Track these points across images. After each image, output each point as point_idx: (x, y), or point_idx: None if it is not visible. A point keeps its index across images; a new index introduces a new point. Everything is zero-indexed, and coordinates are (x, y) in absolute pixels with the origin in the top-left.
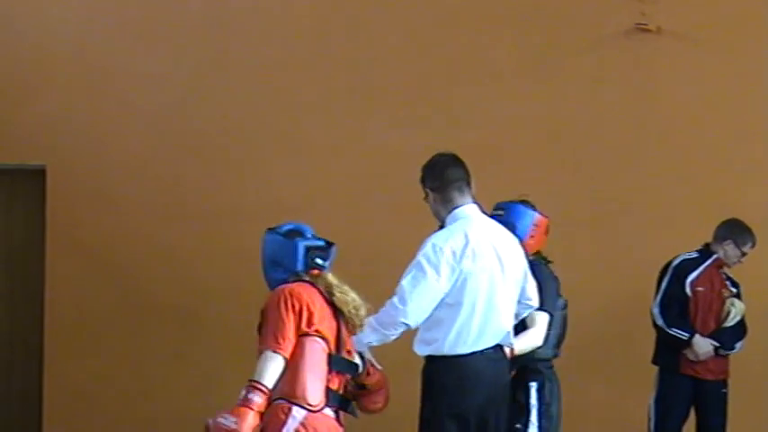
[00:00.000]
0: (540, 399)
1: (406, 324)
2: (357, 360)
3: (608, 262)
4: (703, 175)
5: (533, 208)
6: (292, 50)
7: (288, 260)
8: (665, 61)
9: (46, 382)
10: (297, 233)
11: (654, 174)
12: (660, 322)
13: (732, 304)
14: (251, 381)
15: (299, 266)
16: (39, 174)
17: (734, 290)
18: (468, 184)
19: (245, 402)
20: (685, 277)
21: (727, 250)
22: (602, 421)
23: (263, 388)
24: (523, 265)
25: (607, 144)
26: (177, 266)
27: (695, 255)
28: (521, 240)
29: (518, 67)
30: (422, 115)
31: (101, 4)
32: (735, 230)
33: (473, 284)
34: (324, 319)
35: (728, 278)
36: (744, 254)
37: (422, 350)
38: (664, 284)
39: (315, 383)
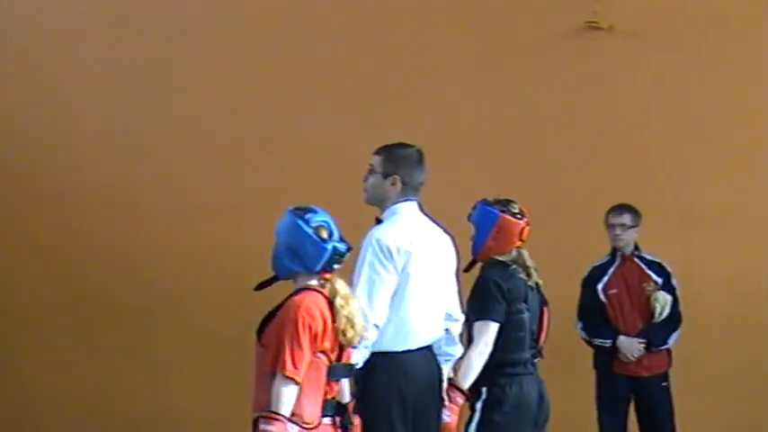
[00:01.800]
0: (485, 403)
1: (377, 326)
2: (347, 386)
3: (565, 260)
4: (657, 173)
5: (504, 209)
6: (245, 49)
7: (310, 258)
8: (617, 59)
9: None
10: (326, 231)
11: (608, 172)
12: (583, 335)
13: (655, 299)
14: (269, 411)
15: (318, 268)
16: None
17: (658, 280)
18: (423, 185)
19: None
20: (596, 284)
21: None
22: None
23: (280, 417)
24: (454, 268)
25: (559, 142)
26: (129, 264)
27: (604, 260)
28: (481, 241)
29: (470, 64)
30: (375, 114)
31: (52, 1)
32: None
33: (413, 283)
34: (331, 333)
35: (654, 267)
36: (611, 226)
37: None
38: (579, 297)
39: (312, 401)
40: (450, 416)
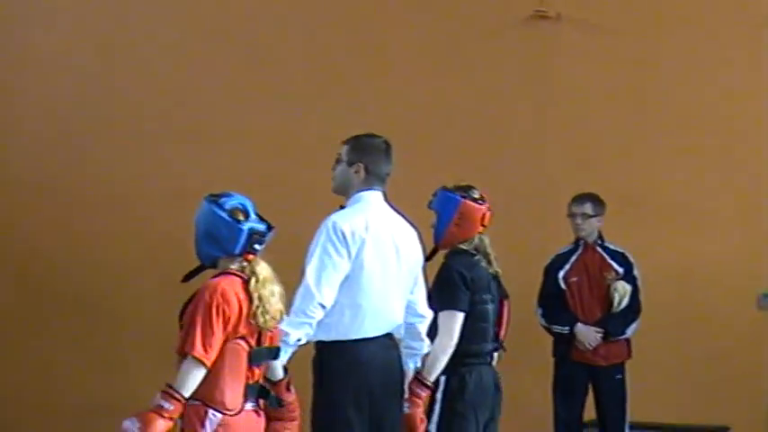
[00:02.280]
0: (445, 393)
1: (323, 305)
2: (279, 364)
3: (508, 250)
4: (605, 162)
5: (465, 194)
6: (195, 36)
7: (227, 241)
8: (565, 48)
9: None
10: (241, 213)
11: (555, 161)
12: (542, 321)
13: (615, 289)
14: (169, 387)
15: (238, 250)
16: None
17: (620, 270)
18: (389, 176)
19: (157, 409)
20: (557, 272)
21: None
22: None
23: (180, 397)
24: (420, 260)
25: (508, 131)
26: (78, 253)
27: (567, 248)
28: (444, 228)
29: (423, 52)
30: (326, 103)
31: None
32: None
33: (369, 270)
34: (248, 317)
35: (617, 257)
36: (572, 215)
37: (315, 335)
38: (540, 284)
39: (233, 388)
40: (410, 407)
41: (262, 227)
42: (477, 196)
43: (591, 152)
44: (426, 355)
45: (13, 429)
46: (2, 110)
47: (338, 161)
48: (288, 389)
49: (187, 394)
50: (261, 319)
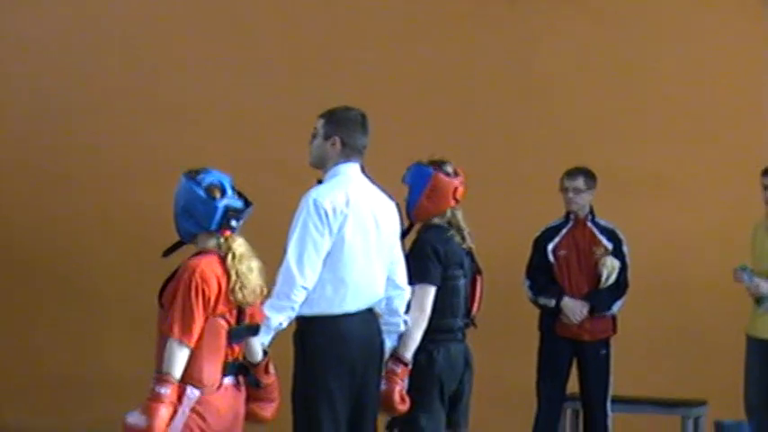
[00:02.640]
0: (413, 367)
1: (305, 287)
2: (258, 346)
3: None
4: (585, 138)
5: (438, 168)
6: (175, 13)
7: (203, 217)
8: (549, 23)
9: None
10: (218, 190)
11: (537, 136)
12: (529, 294)
13: (603, 264)
14: (159, 373)
15: (214, 226)
16: None
17: (609, 246)
18: (365, 148)
19: (155, 397)
20: (546, 245)
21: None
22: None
23: (172, 380)
24: (398, 232)
25: (491, 106)
26: (55, 232)
27: (557, 222)
28: (415, 201)
29: (402, 27)
30: (300, 79)
31: None
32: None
33: (350, 244)
34: (226, 295)
35: (607, 233)
36: (564, 189)
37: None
38: (529, 256)
39: (211, 365)
40: (387, 384)
41: (238, 203)
42: (450, 170)
43: (572, 127)
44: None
45: None
46: None
47: (314, 135)
48: (267, 371)
49: (177, 375)
50: (239, 295)
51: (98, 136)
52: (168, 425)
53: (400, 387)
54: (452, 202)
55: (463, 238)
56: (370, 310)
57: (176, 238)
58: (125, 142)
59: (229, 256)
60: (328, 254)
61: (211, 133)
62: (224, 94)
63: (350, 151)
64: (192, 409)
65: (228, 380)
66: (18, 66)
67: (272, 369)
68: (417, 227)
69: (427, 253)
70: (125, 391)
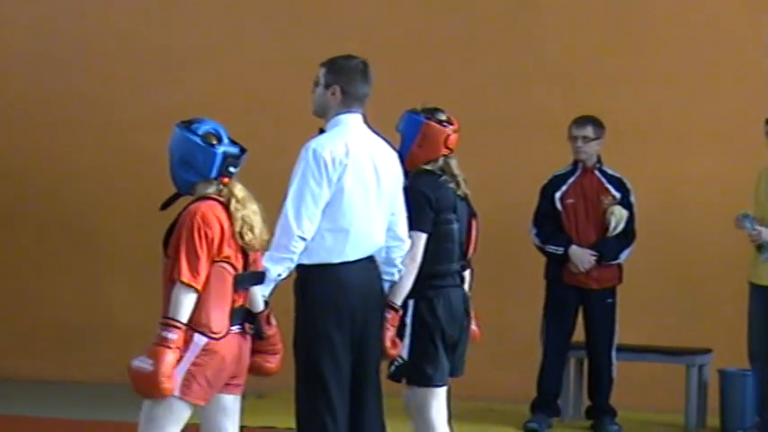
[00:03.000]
0: (414, 315)
1: (303, 238)
2: (260, 296)
3: (499, 172)
4: (588, 86)
5: (430, 116)
6: None
7: (202, 166)
8: None
9: None
10: (214, 137)
11: (541, 86)
12: (536, 241)
13: (611, 213)
14: (166, 318)
15: (213, 174)
16: None
17: (617, 195)
18: (367, 97)
19: (162, 341)
20: (554, 193)
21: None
22: (490, 331)
23: (179, 324)
24: (400, 182)
25: (494, 57)
26: (58, 177)
27: (565, 169)
28: (406, 149)
29: None
30: (304, 26)
31: None
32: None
33: (349, 193)
34: (231, 239)
35: (615, 182)
36: (573, 137)
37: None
38: (536, 204)
39: (219, 311)
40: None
41: (235, 150)
42: (442, 118)
43: (575, 76)
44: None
45: None
46: None
47: (316, 84)
48: (268, 321)
49: (184, 320)
50: (248, 237)
51: (100, 85)
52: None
53: (391, 333)
54: (444, 151)
55: (458, 185)
56: (370, 259)
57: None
58: (126, 91)
59: (233, 201)
60: (328, 203)
61: (212, 80)
62: (226, 43)
63: (351, 100)
64: (198, 356)
65: (235, 327)
66: (26, 16)
67: (273, 320)
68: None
69: (418, 200)
70: (130, 338)
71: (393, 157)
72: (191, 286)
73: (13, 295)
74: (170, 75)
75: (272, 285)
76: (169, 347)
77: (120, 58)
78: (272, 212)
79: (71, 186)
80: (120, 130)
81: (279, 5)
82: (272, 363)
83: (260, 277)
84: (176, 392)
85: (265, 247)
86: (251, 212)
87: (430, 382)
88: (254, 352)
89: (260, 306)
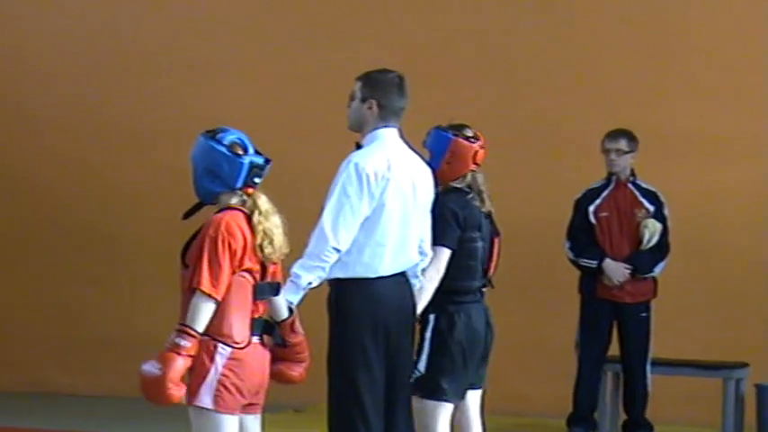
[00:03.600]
0: (434, 330)
1: (337, 249)
2: (283, 304)
3: (532, 185)
4: (619, 96)
5: (457, 132)
6: None
7: (228, 175)
8: None
9: None
10: (240, 146)
11: (579, 95)
12: (570, 255)
13: (645, 226)
14: (182, 325)
15: (239, 184)
16: None
17: (650, 208)
18: (403, 111)
19: (173, 347)
20: (587, 206)
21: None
22: (525, 345)
23: (194, 333)
24: (431, 198)
25: (522, 67)
26: (95, 188)
27: (599, 183)
28: (437, 167)
29: None
30: (345, 36)
31: None
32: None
33: (389, 209)
34: (252, 251)
35: (649, 196)
36: (606, 151)
37: (331, 273)
38: (570, 218)
39: (240, 321)
40: None
41: (260, 160)
42: (469, 134)
43: (609, 90)
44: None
45: (28, 361)
46: (17, 44)
47: (352, 98)
48: (293, 330)
49: (200, 329)
50: (267, 250)
51: (130, 94)
52: (197, 381)
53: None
54: (472, 167)
55: (483, 201)
56: (402, 274)
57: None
58: (156, 101)
59: (256, 213)
60: (367, 218)
61: (241, 89)
62: (256, 52)
63: (387, 114)
64: (225, 366)
65: (255, 338)
66: (58, 25)
67: (299, 328)
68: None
69: (446, 217)
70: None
71: (427, 172)
72: (210, 296)
73: (48, 309)
74: (200, 85)
75: (301, 293)
76: (179, 354)
77: (151, 67)
78: (292, 223)
79: (104, 196)
80: (155, 141)
81: (313, 17)
82: (296, 372)
83: (276, 289)
84: (211, 406)
85: (283, 260)
86: (273, 225)
87: (443, 397)
88: (278, 360)
89: (284, 314)
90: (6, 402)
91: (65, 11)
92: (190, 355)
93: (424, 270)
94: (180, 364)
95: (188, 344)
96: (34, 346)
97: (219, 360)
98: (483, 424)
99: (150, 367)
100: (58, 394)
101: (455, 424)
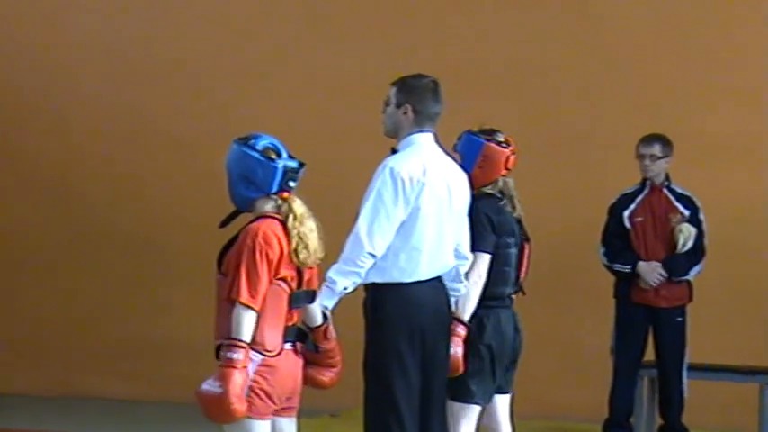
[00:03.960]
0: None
1: (373, 255)
2: (318, 310)
3: (566, 190)
4: (658, 103)
5: (489, 137)
6: None
7: (263, 181)
8: None
9: None
10: (273, 151)
11: (613, 100)
12: (604, 260)
13: (680, 230)
14: (230, 339)
15: (274, 189)
16: None
17: (685, 213)
18: (438, 116)
19: (228, 363)
20: (622, 211)
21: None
22: (559, 350)
23: (243, 344)
24: (468, 202)
25: (560, 73)
26: (133, 193)
27: (633, 188)
28: (469, 171)
29: None
30: (379, 40)
31: None
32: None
33: (425, 213)
34: (288, 258)
35: (683, 200)
36: (640, 156)
37: (368, 278)
38: (604, 223)
39: (274, 329)
40: (454, 348)
41: (294, 164)
42: (501, 140)
43: (644, 94)
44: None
45: (60, 365)
46: (60, 55)
47: (387, 104)
48: (326, 336)
49: (247, 339)
50: (303, 255)
51: (165, 100)
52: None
53: (462, 349)
54: (504, 172)
55: (513, 207)
56: (439, 279)
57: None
58: (188, 104)
59: (290, 218)
60: (403, 222)
61: (272, 98)
62: (294, 57)
63: (423, 119)
64: (257, 373)
65: (288, 345)
66: (93, 32)
67: (332, 334)
68: None
69: (482, 222)
70: (196, 355)
71: (463, 177)
72: (249, 307)
73: (80, 313)
74: (235, 90)
75: (335, 299)
76: (236, 368)
77: (186, 72)
78: (331, 229)
79: (140, 202)
80: (193, 146)
81: (347, 26)
82: (327, 376)
83: (311, 296)
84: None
85: (320, 264)
86: (307, 230)
87: (470, 399)
88: (310, 364)
89: (317, 320)
90: (38, 406)
91: (99, 13)
92: (244, 367)
93: (467, 274)
94: (238, 378)
95: (240, 356)
96: (66, 350)
97: (251, 367)
98: (513, 428)
99: (209, 387)
100: (90, 398)
101: (484, 428)
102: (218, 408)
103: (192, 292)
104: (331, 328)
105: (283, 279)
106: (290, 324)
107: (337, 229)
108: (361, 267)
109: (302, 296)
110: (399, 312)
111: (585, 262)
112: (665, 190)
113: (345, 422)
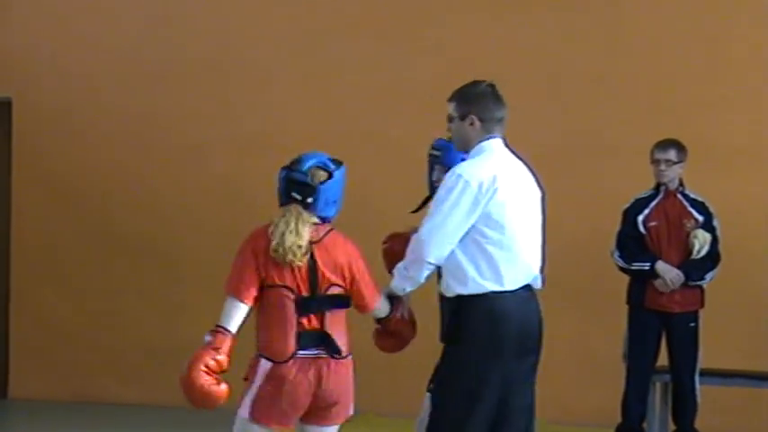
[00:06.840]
0: None
1: (430, 262)
2: (385, 304)
3: (582, 195)
4: (675, 108)
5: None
6: None
7: (279, 190)
8: None
9: (13, 313)
10: (295, 162)
11: (627, 104)
12: (620, 263)
13: (695, 236)
14: (216, 326)
15: (283, 199)
16: (4, 106)
17: (699, 219)
18: (504, 119)
19: (201, 345)
20: (636, 216)
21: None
22: (572, 354)
23: (221, 329)
24: (539, 206)
25: (577, 76)
26: (146, 199)
27: (647, 193)
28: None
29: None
30: (399, 48)
31: None
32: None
33: (501, 220)
34: (273, 255)
35: (697, 206)
36: (656, 161)
37: (450, 290)
38: (618, 227)
39: (281, 336)
40: None
41: (300, 176)
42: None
43: (659, 100)
44: None
45: (77, 370)
46: (71, 61)
47: (450, 119)
48: (397, 324)
49: (230, 327)
50: (279, 250)
51: (186, 106)
52: (245, 391)
53: None
54: None
55: None
56: (527, 287)
57: (262, 208)
58: (202, 110)
59: (276, 218)
60: (479, 231)
61: (283, 104)
62: (314, 63)
63: (489, 126)
64: (263, 379)
65: (308, 352)
66: (110, 38)
67: (406, 315)
68: None
69: None
70: None
71: (533, 180)
72: (235, 296)
73: (97, 319)
74: (256, 97)
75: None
76: (204, 348)
77: (206, 79)
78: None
79: (154, 207)
80: (206, 152)
81: (366, 31)
82: (387, 347)
83: (337, 301)
84: (247, 415)
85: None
86: (287, 228)
87: None
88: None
89: (381, 313)
90: (55, 411)
91: (112, 20)
92: (215, 349)
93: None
94: (201, 355)
95: (211, 338)
96: (83, 355)
97: (259, 373)
98: None
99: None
100: (107, 403)
101: None
102: (183, 385)
103: (208, 298)
104: (405, 313)
105: (283, 285)
106: (307, 329)
107: (366, 235)
108: (420, 273)
109: (314, 304)
110: (483, 328)
111: (598, 267)
112: (679, 195)
113: (357, 427)
